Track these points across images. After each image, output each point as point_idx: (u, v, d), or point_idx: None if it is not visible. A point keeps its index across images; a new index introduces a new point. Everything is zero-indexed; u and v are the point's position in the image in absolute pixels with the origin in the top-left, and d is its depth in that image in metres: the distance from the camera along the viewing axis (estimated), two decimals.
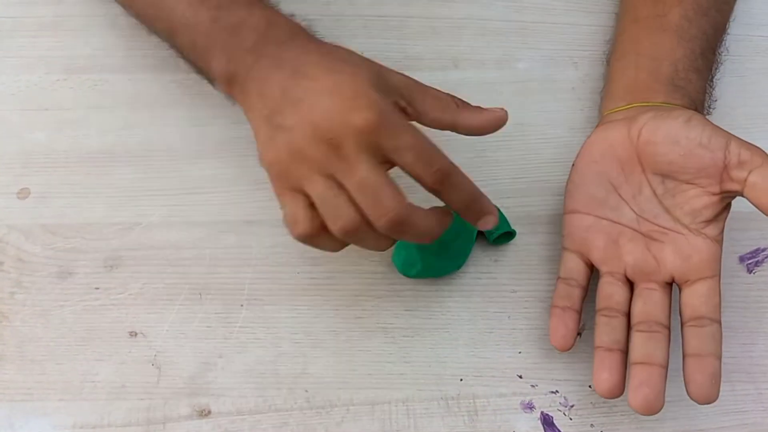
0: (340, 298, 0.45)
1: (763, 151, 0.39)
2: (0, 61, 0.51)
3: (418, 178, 0.38)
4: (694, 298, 0.39)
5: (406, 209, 0.36)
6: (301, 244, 0.46)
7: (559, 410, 0.42)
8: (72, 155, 0.48)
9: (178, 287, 0.45)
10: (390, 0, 0.54)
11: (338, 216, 0.37)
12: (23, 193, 0.47)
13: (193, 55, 0.43)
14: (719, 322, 0.39)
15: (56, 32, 0.52)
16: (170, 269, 0.45)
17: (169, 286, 0.45)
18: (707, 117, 0.47)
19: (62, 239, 0.46)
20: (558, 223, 0.47)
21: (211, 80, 0.43)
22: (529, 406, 0.43)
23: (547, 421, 0.42)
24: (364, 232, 0.37)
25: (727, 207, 0.41)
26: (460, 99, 0.40)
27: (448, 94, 0.40)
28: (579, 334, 0.44)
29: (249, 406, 0.42)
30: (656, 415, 0.42)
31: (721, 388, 0.42)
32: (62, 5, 0.53)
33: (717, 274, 0.40)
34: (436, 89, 0.40)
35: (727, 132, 0.40)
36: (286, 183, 0.38)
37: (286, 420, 0.42)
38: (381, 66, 0.39)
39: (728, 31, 0.51)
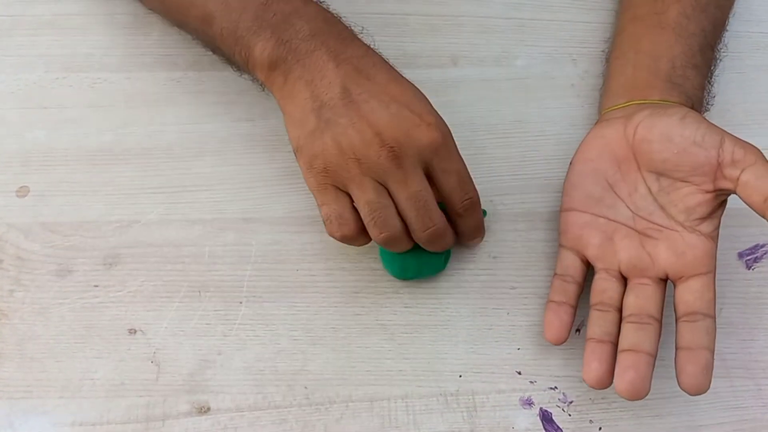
0: (339, 295, 0.45)
1: (757, 150, 0.39)
2: None
3: (449, 200, 0.40)
4: (688, 294, 0.39)
5: (446, 224, 0.40)
6: (299, 242, 0.46)
7: (558, 406, 0.42)
8: (71, 153, 0.48)
9: (177, 285, 0.45)
10: None
11: (385, 225, 0.39)
12: (22, 192, 0.47)
13: (230, 39, 0.42)
14: (713, 318, 0.39)
15: (55, 31, 0.52)
16: (169, 267, 0.45)
17: (168, 283, 0.45)
18: (706, 113, 0.47)
19: (61, 237, 0.46)
20: (556, 220, 0.47)
21: (245, 65, 0.43)
22: (528, 402, 0.43)
23: (546, 417, 0.42)
24: (399, 241, 0.40)
25: (723, 204, 0.41)
26: (470, 204, 0.41)
27: (467, 189, 0.41)
28: (578, 330, 0.44)
29: (248, 402, 0.42)
30: (655, 411, 0.42)
31: (720, 384, 0.43)
32: (61, 4, 0.53)
33: (711, 271, 0.40)
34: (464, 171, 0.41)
35: (721, 130, 0.40)
36: (330, 179, 0.39)
37: (285, 417, 0.42)
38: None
39: (728, 27, 0.51)
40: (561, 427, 0.42)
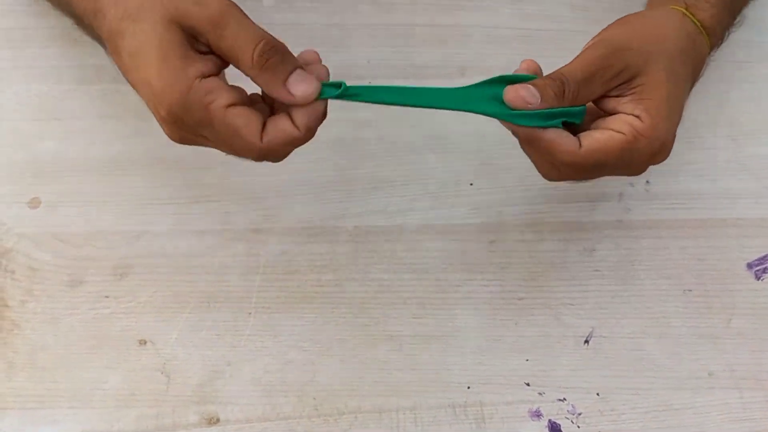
0: (348, 306, 0.45)
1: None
2: (12, 71, 0.52)
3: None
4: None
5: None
6: (308, 253, 0.46)
7: (567, 418, 0.42)
8: (82, 164, 0.49)
9: (186, 295, 0.45)
10: (396, 8, 0.54)
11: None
12: (34, 203, 0.48)
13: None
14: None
15: (66, 43, 0.53)
16: (179, 277, 0.46)
17: (177, 294, 0.45)
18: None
19: (72, 247, 0.46)
20: (564, 230, 0.47)
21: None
22: (537, 414, 0.42)
23: (554, 428, 0.42)
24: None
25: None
26: (267, 56, 0.35)
27: (256, 46, 0.35)
28: (586, 341, 0.44)
29: (257, 413, 0.42)
30: (665, 423, 0.42)
31: (729, 396, 0.43)
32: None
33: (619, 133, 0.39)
34: (247, 32, 0.36)
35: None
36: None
37: (294, 428, 0.42)
38: (182, 6, 0.36)
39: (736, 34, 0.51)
40: None
